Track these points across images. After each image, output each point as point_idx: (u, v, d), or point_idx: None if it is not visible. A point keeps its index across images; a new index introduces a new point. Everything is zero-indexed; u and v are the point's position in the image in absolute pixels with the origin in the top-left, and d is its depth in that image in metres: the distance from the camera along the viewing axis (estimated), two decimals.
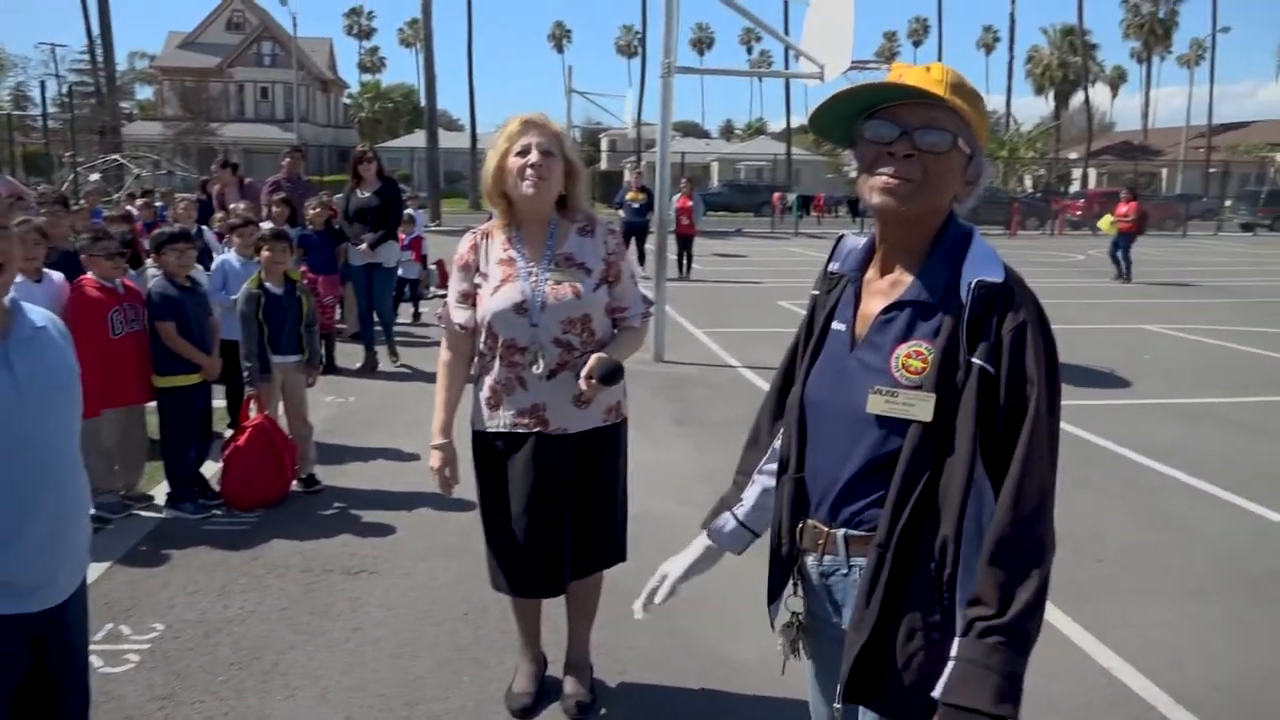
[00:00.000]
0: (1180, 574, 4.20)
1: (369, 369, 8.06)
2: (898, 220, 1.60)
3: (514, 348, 2.74)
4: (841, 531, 1.64)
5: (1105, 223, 17.23)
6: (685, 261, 16.14)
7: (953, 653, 1.47)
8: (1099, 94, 78.17)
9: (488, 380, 2.82)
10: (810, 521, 1.71)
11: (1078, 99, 61.18)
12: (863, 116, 1.60)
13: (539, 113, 2.80)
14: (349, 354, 8.37)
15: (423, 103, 40.93)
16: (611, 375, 2.60)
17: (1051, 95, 64.72)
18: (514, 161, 2.70)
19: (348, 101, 65.61)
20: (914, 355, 1.55)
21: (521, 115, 2.76)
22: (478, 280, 2.81)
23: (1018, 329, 1.50)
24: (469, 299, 2.83)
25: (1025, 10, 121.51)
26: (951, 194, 1.60)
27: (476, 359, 2.86)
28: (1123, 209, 16.67)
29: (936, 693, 1.46)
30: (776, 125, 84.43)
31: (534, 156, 2.68)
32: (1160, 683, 3.25)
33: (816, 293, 1.81)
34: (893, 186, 1.56)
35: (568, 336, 2.72)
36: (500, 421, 2.80)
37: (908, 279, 1.61)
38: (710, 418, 6.81)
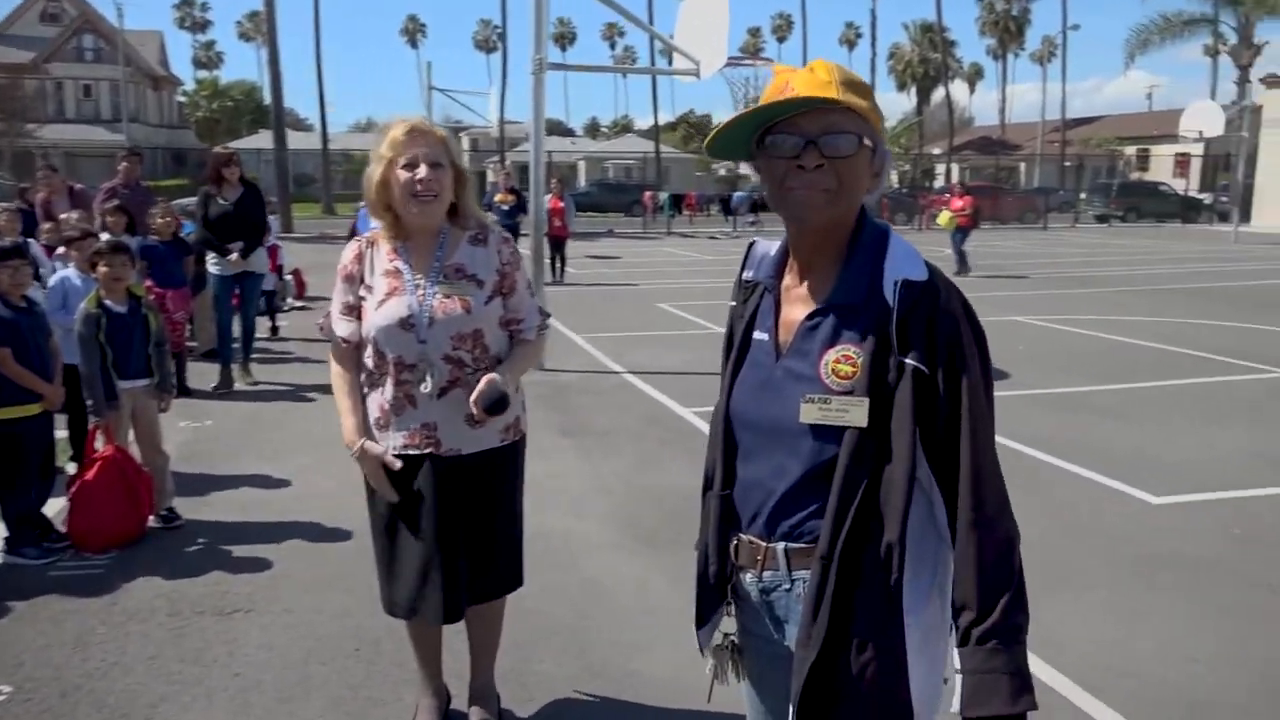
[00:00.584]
0: (1073, 563, 4.44)
1: (225, 388, 7.73)
2: (817, 228, 1.62)
3: (402, 365, 2.67)
4: (781, 545, 1.64)
5: (944, 218, 17.97)
6: (559, 265, 16.12)
7: (956, 666, 1.50)
8: (958, 90, 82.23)
9: (375, 400, 2.74)
10: (745, 537, 1.70)
11: (939, 95, 64.06)
12: (759, 131, 1.61)
13: (420, 118, 2.74)
14: (201, 374, 8.00)
15: (266, 101, 39.55)
16: (496, 405, 2.54)
17: (913, 91, 67.66)
18: (400, 175, 2.62)
19: (182, 100, 62.75)
20: (843, 360, 1.57)
21: (405, 120, 2.68)
22: (362, 292, 2.73)
23: (948, 326, 1.54)
24: (353, 311, 2.75)
25: (886, 7, 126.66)
26: (862, 189, 1.62)
27: (363, 376, 2.78)
28: (958, 204, 17.58)
29: (955, 709, 1.49)
30: (644, 122, 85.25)
31: (422, 171, 2.60)
32: (1067, 672, 3.42)
33: (734, 304, 1.81)
34: (808, 199, 1.57)
35: (458, 353, 2.66)
36: (390, 443, 2.72)
37: (829, 283, 1.63)
38: (598, 426, 6.81)
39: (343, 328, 2.75)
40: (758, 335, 1.71)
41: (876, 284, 1.58)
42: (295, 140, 38.21)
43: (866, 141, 1.58)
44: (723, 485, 1.74)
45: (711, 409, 1.79)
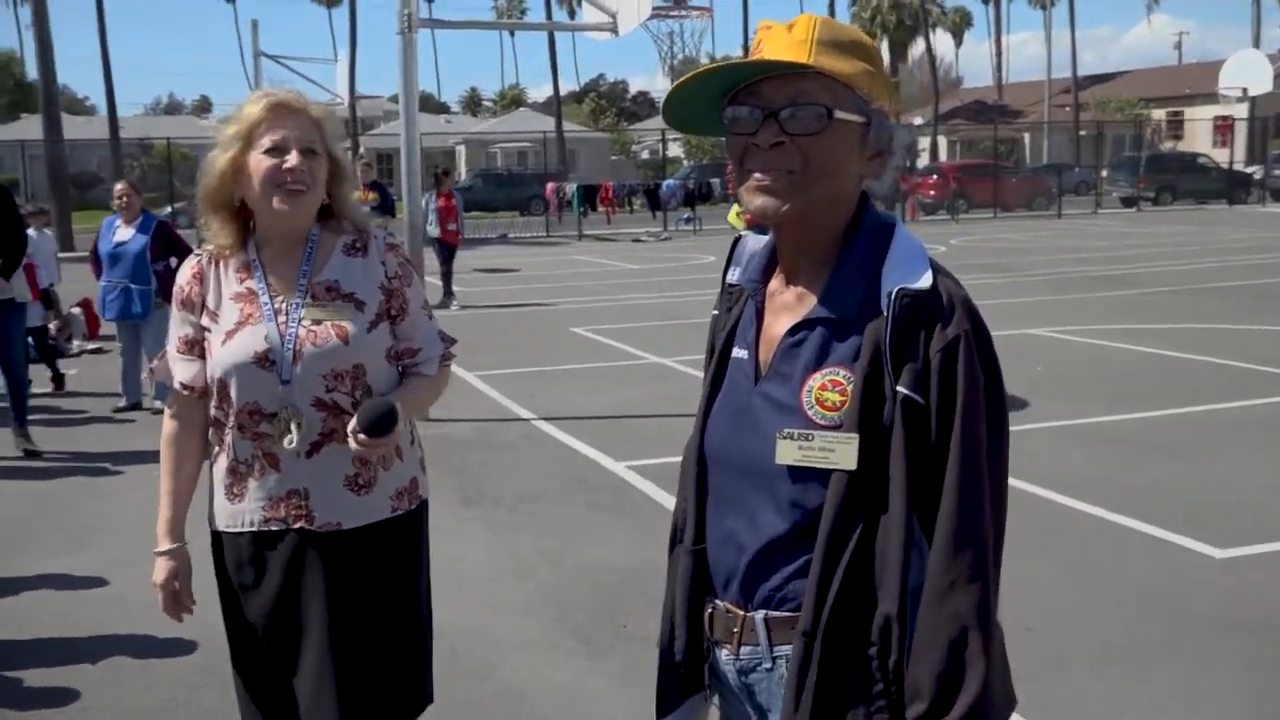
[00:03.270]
0: (1120, 633, 4.61)
1: None
2: (785, 222, 1.70)
3: (258, 414, 2.66)
4: (760, 614, 1.71)
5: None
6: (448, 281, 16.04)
7: None
8: (941, 43, 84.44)
9: (223, 461, 2.73)
10: (721, 604, 1.78)
11: (918, 49, 65.80)
12: (725, 99, 1.70)
13: (290, 91, 2.74)
14: None
15: (32, 76, 38.75)
16: (381, 422, 2.53)
17: (885, 45, 69.26)
18: (261, 162, 2.61)
19: None
20: (829, 386, 1.64)
21: (267, 94, 2.69)
22: (205, 322, 2.73)
23: (948, 346, 1.61)
24: (195, 347, 2.74)
25: None
26: (852, 175, 1.70)
27: (211, 430, 2.78)
28: None
29: None
30: (539, 93, 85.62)
31: (293, 159, 2.60)
32: None
33: (715, 312, 1.89)
34: (767, 184, 1.66)
35: (334, 395, 2.66)
36: (246, 517, 2.72)
37: (818, 289, 1.71)
38: (505, 491, 6.85)
39: (182, 370, 2.74)
40: (737, 353, 1.79)
41: (874, 293, 1.66)
42: (74, 127, 37.53)
43: (842, 115, 1.65)
44: (695, 538, 1.82)
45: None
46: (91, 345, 12.75)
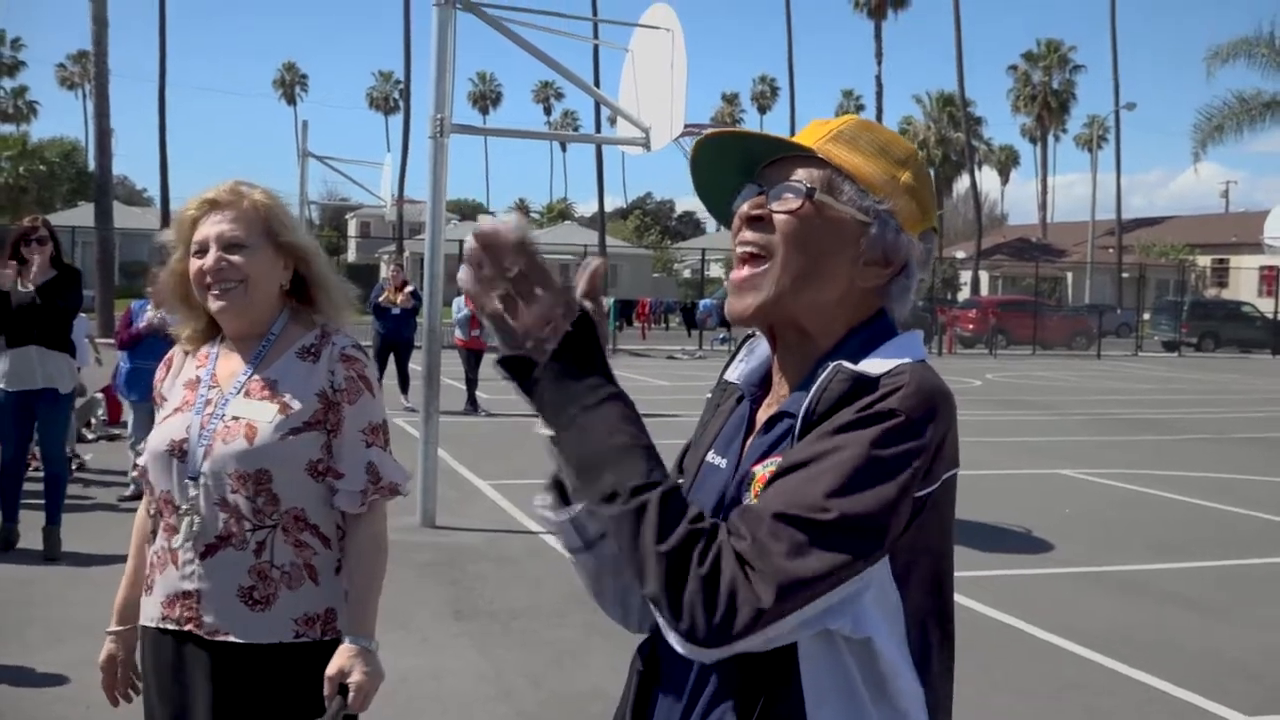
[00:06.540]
0: None
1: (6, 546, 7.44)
2: (760, 322, 1.60)
3: (170, 504, 2.60)
4: None
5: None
6: (471, 389, 15.93)
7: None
8: (987, 179, 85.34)
9: (148, 551, 2.70)
10: None
11: (963, 185, 66.42)
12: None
13: (233, 183, 2.67)
14: None
15: (92, 166, 39.75)
16: None
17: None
18: (191, 265, 2.60)
19: None
20: (769, 475, 1.51)
21: (204, 193, 2.66)
22: (160, 407, 2.78)
23: (850, 422, 1.43)
24: None
25: (894, 73, 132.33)
26: (839, 278, 1.56)
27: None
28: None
29: None
30: (586, 208, 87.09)
31: (210, 259, 2.56)
32: None
33: (709, 396, 1.81)
34: (742, 277, 1.57)
35: (236, 498, 2.55)
36: (150, 611, 2.65)
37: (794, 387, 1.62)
38: (502, 606, 6.68)
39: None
40: (713, 458, 1.68)
41: None
42: (126, 217, 38.43)
43: (826, 199, 1.54)
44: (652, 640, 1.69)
45: None
46: (113, 430, 12.72)
